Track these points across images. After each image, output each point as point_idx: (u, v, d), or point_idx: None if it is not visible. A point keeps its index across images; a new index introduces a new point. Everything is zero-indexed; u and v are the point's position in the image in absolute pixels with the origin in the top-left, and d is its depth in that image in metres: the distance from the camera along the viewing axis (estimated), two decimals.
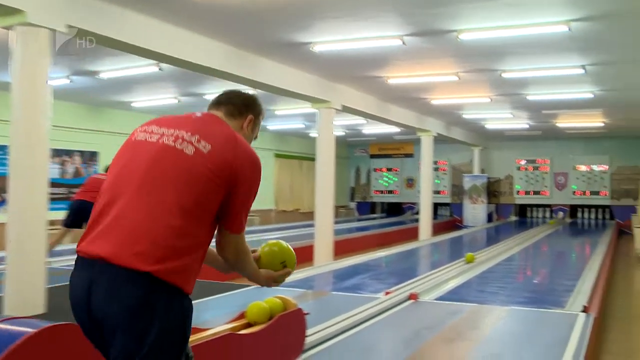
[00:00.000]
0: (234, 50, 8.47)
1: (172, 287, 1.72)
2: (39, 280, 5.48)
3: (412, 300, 6.54)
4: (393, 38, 7.78)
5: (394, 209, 24.75)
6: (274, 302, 4.01)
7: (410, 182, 24.15)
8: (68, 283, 1.84)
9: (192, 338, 3.94)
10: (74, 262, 1.86)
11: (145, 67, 9.27)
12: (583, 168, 21.38)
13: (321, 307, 6.46)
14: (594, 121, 16.32)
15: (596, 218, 21.59)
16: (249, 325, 3.83)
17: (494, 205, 22.61)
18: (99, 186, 1.96)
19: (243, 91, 2.13)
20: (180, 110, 14.17)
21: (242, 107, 2.06)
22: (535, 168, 22.09)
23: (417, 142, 17.49)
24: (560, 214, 21.72)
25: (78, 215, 7.92)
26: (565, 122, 16.64)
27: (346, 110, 11.83)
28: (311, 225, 12.06)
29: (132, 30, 6.79)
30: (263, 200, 20.12)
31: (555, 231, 17.31)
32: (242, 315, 3.91)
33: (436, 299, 6.80)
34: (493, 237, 16.22)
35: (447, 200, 23.34)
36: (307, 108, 11.68)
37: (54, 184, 10.76)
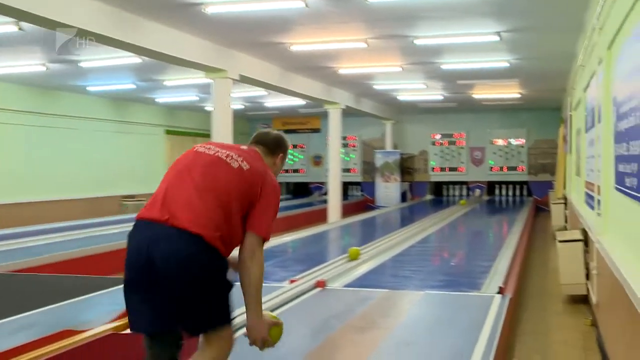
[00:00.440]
0: (114, 11, 8.13)
1: (213, 248, 2.62)
2: None
3: (319, 288, 6.63)
4: None
5: (300, 190, 24.95)
6: None
7: (318, 160, 24.40)
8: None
9: (68, 341, 3.82)
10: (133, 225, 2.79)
11: (1, 25, 8.71)
12: (500, 142, 22.44)
13: None
14: (510, 92, 17.12)
15: (514, 195, 22.78)
16: None
17: (408, 183, 23.30)
18: None
19: (274, 133, 3.23)
20: (50, 77, 13.50)
21: (274, 147, 3.17)
22: (451, 143, 22.94)
23: (325, 115, 17.66)
24: (477, 191, 22.72)
25: None
26: (481, 93, 17.34)
27: (245, 80, 11.73)
28: None
29: None
30: (153, 181, 19.64)
31: (472, 210, 18.09)
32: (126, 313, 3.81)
33: (346, 286, 6.93)
34: (407, 218, 16.74)
35: (358, 179, 23.80)
36: (200, 78, 11.47)
37: None
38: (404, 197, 22.83)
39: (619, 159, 4.45)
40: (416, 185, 23.48)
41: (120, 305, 3.21)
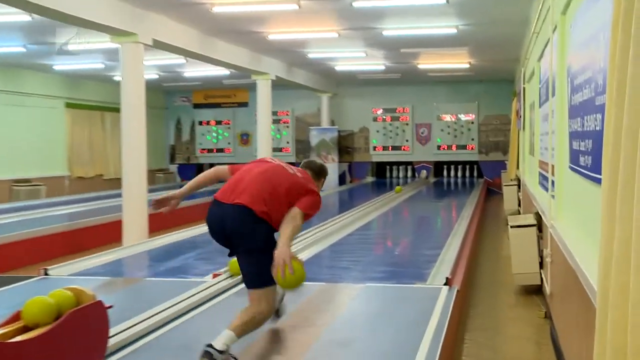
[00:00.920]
0: None
1: (264, 220, 4.25)
2: None
3: None
4: None
5: None
6: (63, 296, 3.86)
7: (245, 138, 24.28)
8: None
9: None
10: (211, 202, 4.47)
11: None
12: (448, 118, 22.84)
13: (132, 298, 6.37)
14: (459, 62, 17.42)
15: (463, 176, 23.26)
16: (27, 329, 3.66)
17: (347, 164, 23.48)
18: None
19: (318, 162, 5.01)
20: None
21: (319, 173, 4.86)
22: (395, 119, 23.20)
23: (253, 87, 17.56)
24: (423, 172, 23.10)
25: None
26: (427, 62, 17.58)
27: (159, 46, 11.51)
28: (118, 196, 11.70)
29: None
30: (52, 164, 19.18)
31: (417, 193, 18.39)
32: (17, 317, 3.71)
33: None
34: (346, 202, 16.87)
35: (291, 159, 23.80)
36: (106, 42, 11.19)
37: None
38: (342, 180, 22.99)
39: (574, 135, 4.60)
40: (356, 166, 23.67)
41: (7, 309, 3.13)
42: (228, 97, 23.44)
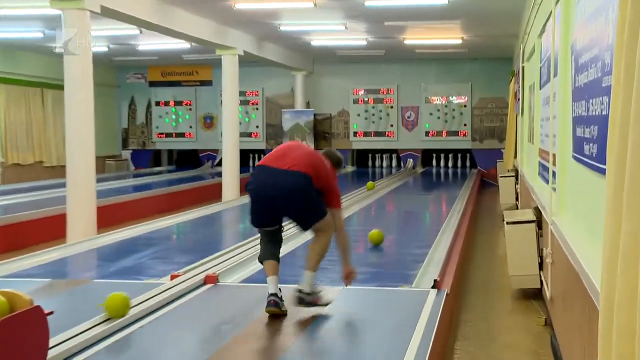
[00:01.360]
0: None
1: (309, 177, 5.50)
2: None
3: (209, 285, 6.65)
4: None
5: (187, 159, 24.75)
6: None
7: (209, 121, 24.18)
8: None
9: None
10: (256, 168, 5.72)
11: None
12: (438, 101, 22.91)
13: (77, 303, 6.35)
14: (451, 37, 17.47)
15: (454, 166, 23.38)
16: None
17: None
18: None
19: (337, 153, 6.10)
20: None
21: (336, 164, 5.96)
22: (378, 101, 23.22)
23: (217, 64, 17.47)
24: (410, 161, 23.17)
25: None
26: (415, 38, 17.61)
27: (108, 13, 11.39)
28: (62, 186, 11.62)
29: None
30: None
31: (403, 184, 18.46)
32: None
33: (243, 282, 6.97)
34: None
35: (261, 145, 23.77)
36: (45, 8, 11.03)
37: None
38: None
39: (578, 120, 4.64)
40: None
41: None
42: (189, 74, 23.27)
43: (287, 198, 5.48)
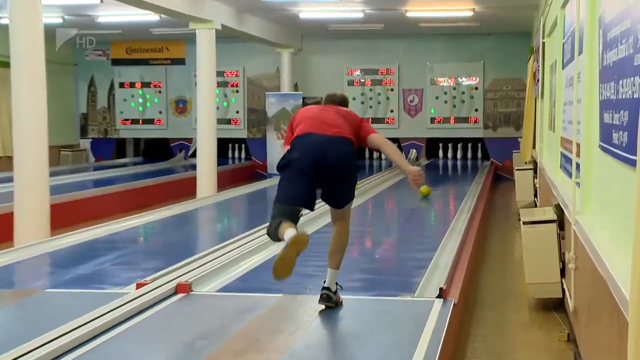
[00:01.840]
0: None
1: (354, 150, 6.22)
2: None
3: (181, 295, 6.62)
4: None
5: (156, 150, 24.69)
6: None
7: (182, 106, 24.12)
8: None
9: None
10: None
11: None
12: (445, 82, 22.88)
13: (26, 316, 6.30)
14: (460, 8, 17.46)
15: (464, 158, 23.37)
16: None
17: None
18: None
19: (339, 94, 6.82)
20: None
21: (340, 103, 6.54)
22: (376, 82, 23.19)
23: (191, 39, 17.40)
24: (413, 152, 23.15)
25: None
26: (419, 9, 17.60)
27: None
28: (8, 180, 11.56)
29: None
30: None
31: (404, 179, 18.42)
32: None
33: (220, 290, 6.94)
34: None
35: (242, 134, 23.74)
36: None
37: None
38: None
39: (606, 105, 4.61)
40: None
41: None
42: (158, 51, 23.17)
43: (340, 168, 5.99)
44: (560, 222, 7.76)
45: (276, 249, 8.76)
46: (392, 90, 23.18)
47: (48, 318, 5.80)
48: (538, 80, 14.37)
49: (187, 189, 16.60)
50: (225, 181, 18.05)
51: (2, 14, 17.41)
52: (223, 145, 21.82)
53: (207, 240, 10.85)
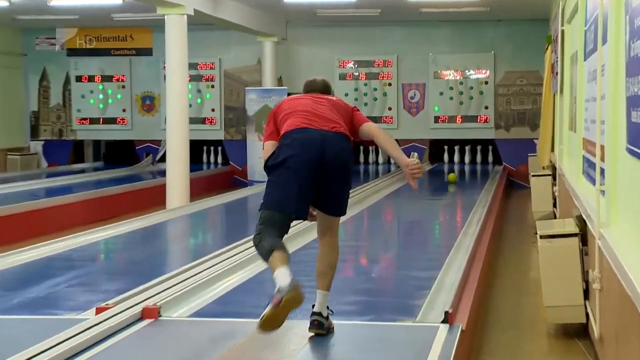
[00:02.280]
0: None
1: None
2: None
3: (148, 320, 6.59)
4: None
5: (119, 153, 24.70)
6: None
7: (149, 103, 24.09)
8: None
9: None
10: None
11: None
12: (451, 75, 22.91)
13: None
14: None
15: (472, 162, 23.42)
16: None
17: None
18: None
19: (319, 79, 6.63)
20: None
21: (325, 92, 6.55)
22: (372, 76, 23.19)
23: (159, 26, 17.40)
24: (415, 155, 23.04)
25: None
26: None
27: None
28: None
29: None
30: None
31: (404, 187, 18.43)
32: None
33: (193, 315, 6.94)
34: None
35: (218, 135, 23.71)
36: None
37: None
38: None
39: (633, 102, 4.62)
40: None
41: None
42: (121, 40, 23.15)
43: (338, 168, 6.01)
44: (583, 235, 7.76)
45: (258, 267, 8.80)
46: (389, 85, 23.18)
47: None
48: (557, 74, 14.40)
49: (156, 199, 16.59)
50: (199, 189, 18.04)
51: None
52: (197, 148, 21.83)
53: (178, 258, 10.82)
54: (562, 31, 13.10)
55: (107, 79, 24.20)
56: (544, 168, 16.30)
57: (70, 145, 24.68)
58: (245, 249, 9.75)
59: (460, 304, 7.10)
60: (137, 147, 24.43)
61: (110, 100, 24.34)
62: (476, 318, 7.86)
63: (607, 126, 6.08)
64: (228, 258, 9.18)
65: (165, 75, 17.09)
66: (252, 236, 5.99)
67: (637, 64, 4.49)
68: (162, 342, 6.19)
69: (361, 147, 23.73)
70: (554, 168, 14.98)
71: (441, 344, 5.83)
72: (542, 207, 14.50)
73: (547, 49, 18.13)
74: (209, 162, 24.11)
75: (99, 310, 6.75)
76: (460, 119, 22.92)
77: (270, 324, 5.44)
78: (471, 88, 22.82)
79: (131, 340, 6.15)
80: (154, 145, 23.99)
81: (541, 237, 7.95)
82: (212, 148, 24.16)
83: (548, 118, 16.72)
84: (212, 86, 23.80)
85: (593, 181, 7.06)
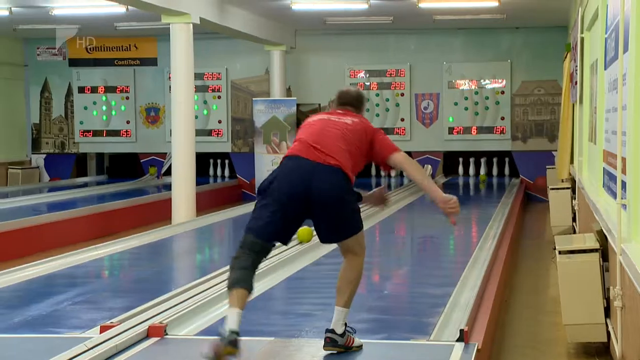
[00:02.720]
0: None
1: (350, 179, 6.15)
2: None
3: (154, 339, 6.61)
4: None
5: (124, 167, 24.75)
6: None
7: (154, 115, 24.11)
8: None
9: None
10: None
11: None
12: (465, 85, 22.89)
13: None
14: None
15: (488, 174, 23.36)
16: None
17: None
18: None
19: (353, 90, 6.71)
20: None
21: (358, 106, 6.56)
22: (384, 86, 23.19)
23: (164, 35, 17.44)
24: (428, 167, 23.12)
25: None
26: None
27: None
28: None
29: None
30: None
31: (418, 200, 18.44)
32: None
33: (199, 334, 6.96)
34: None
35: (226, 147, 23.71)
36: None
37: None
38: None
39: None
40: None
41: None
42: (125, 49, 23.19)
43: (323, 205, 5.97)
44: (604, 251, 7.75)
45: (266, 284, 8.81)
46: (402, 95, 23.18)
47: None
48: (576, 83, 14.40)
49: (161, 213, 16.60)
50: (205, 203, 18.05)
51: None
52: (203, 161, 21.86)
53: (184, 275, 10.83)
54: (582, 39, 13.10)
55: (110, 89, 24.22)
56: (562, 181, 16.27)
57: (72, 159, 24.68)
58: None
59: (476, 322, 7.09)
60: (141, 160, 24.46)
61: (113, 112, 24.35)
62: (492, 337, 7.85)
63: (628, 137, 6.07)
64: None
65: (170, 86, 17.11)
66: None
67: None
68: None
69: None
70: (573, 181, 14.96)
71: None
72: (561, 222, 14.47)
73: (565, 57, 18.11)
74: (215, 176, 24.10)
75: (103, 329, 6.76)
76: (475, 130, 22.90)
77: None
78: (487, 98, 22.81)
79: (138, 357, 6.15)
80: (158, 158, 24.00)
81: (560, 252, 7.94)
82: (218, 161, 24.16)
83: (567, 129, 16.70)
84: (219, 97, 23.83)
85: (614, 195, 7.05)
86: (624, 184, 6.32)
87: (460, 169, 23.59)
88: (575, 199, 14.05)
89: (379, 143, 6.26)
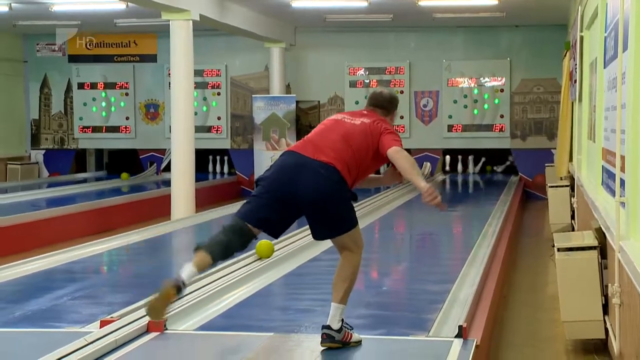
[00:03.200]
0: None
1: (345, 180, 6.13)
2: None
3: (153, 334, 6.61)
4: None
5: (123, 163, 24.68)
6: None
7: (153, 111, 24.09)
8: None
9: None
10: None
11: None
12: (465, 83, 22.89)
13: None
14: None
15: (487, 172, 23.33)
16: None
17: None
18: None
19: (385, 92, 6.80)
20: None
21: (389, 108, 6.69)
22: (384, 83, 23.11)
23: (164, 32, 17.43)
24: (427, 166, 23.08)
25: None
26: None
27: None
28: None
29: None
30: None
31: (416, 198, 18.41)
32: None
33: (199, 329, 6.95)
34: None
35: (225, 144, 23.70)
36: None
37: None
38: None
39: None
40: None
41: None
42: (125, 46, 23.15)
43: (310, 201, 6.00)
44: (602, 248, 7.76)
45: (264, 280, 8.82)
46: (402, 92, 23.09)
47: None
48: (575, 81, 14.40)
49: (160, 209, 16.59)
50: (205, 200, 18.04)
51: None
52: (202, 158, 21.86)
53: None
54: (581, 37, 13.10)
55: (110, 86, 24.20)
56: (561, 179, 16.28)
57: (72, 154, 24.66)
58: (252, 262, 9.78)
59: (475, 319, 7.11)
60: (141, 156, 24.45)
61: (113, 108, 24.33)
62: (491, 333, 7.87)
63: (627, 136, 6.09)
64: (235, 271, 9.18)
65: (169, 83, 17.09)
66: None
67: None
68: (168, 356, 6.21)
69: None
70: (572, 179, 14.96)
71: (455, 359, 5.84)
72: (560, 219, 14.48)
73: (565, 55, 18.11)
74: (214, 172, 24.11)
75: (103, 323, 6.77)
76: (474, 128, 22.91)
77: (153, 311, 5.80)
78: (486, 96, 22.80)
79: (136, 354, 6.16)
80: (158, 154, 24.00)
81: (559, 250, 7.95)
82: (218, 157, 24.15)
83: (566, 127, 16.70)
84: (218, 93, 23.81)
85: (613, 192, 7.06)
86: (622, 182, 6.34)
87: (460, 167, 23.61)
88: (574, 196, 14.06)
89: (381, 142, 6.21)
